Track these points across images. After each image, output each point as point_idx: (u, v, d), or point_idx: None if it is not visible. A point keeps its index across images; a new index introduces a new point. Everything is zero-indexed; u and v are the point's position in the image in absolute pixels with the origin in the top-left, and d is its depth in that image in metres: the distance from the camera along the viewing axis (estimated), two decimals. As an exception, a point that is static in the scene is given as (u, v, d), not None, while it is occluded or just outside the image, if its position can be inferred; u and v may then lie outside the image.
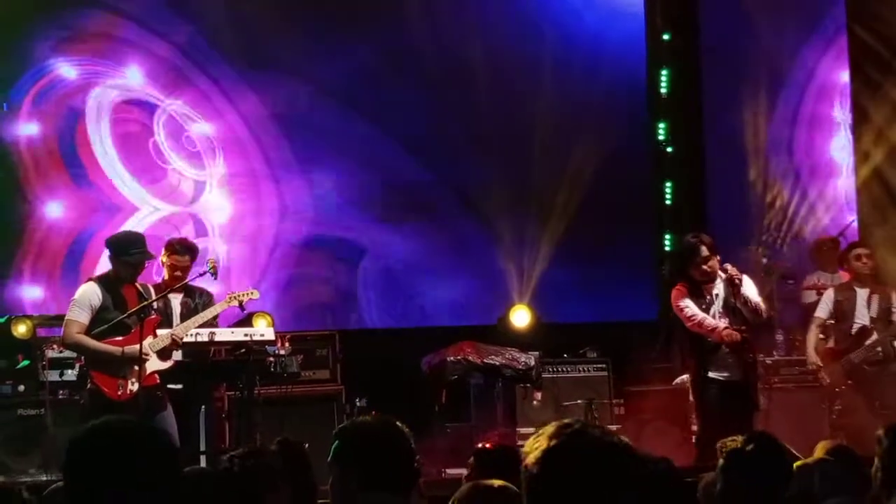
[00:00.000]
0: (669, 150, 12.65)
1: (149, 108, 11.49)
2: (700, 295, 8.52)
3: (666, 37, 12.60)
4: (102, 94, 11.39)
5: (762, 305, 8.64)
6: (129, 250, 8.17)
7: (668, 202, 12.63)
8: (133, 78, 11.44)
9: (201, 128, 11.62)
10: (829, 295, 10.20)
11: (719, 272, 8.54)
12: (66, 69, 11.31)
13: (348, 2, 12.06)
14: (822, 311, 10.13)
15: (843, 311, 10.01)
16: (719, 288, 8.56)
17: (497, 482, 4.20)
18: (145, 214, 11.42)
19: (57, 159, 11.27)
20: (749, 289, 8.56)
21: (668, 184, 12.62)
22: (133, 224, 11.08)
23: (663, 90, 12.66)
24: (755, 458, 4.26)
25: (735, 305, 8.51)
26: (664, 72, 12.64)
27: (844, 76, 12.57)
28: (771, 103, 12.54)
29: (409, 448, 3.63)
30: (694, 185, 12.67)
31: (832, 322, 10.10)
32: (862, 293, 10.02)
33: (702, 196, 12.59)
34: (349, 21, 11.87)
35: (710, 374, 8.47)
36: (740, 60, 12.46)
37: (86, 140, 11.32)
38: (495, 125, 12.02)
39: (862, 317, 9.97)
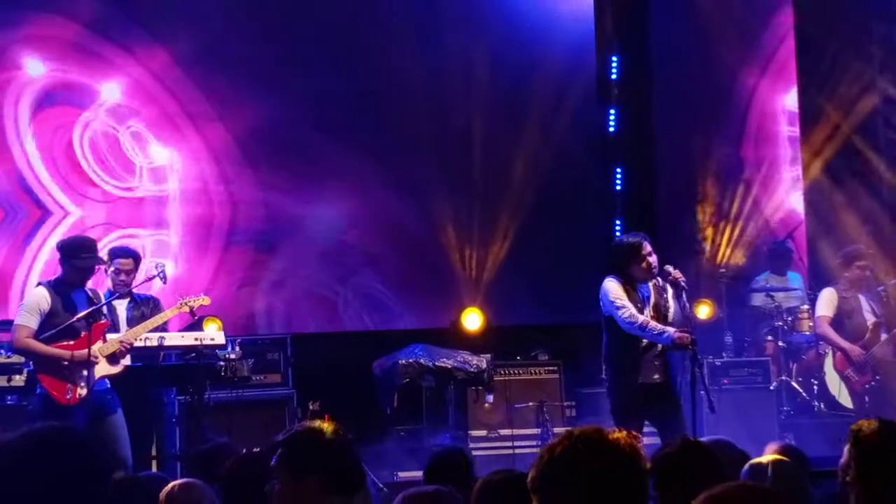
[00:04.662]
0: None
1: (109, 117, 11.39)
2: (633, 295, 8.37)
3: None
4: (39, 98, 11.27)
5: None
6: (79, 254, 8.16)
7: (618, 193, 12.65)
8: (109, 93, 11.33)
9: (158, 147, 11.52)
10: (830, 293, 10.28)
11: (661, 275, 8.46)
12: (35, 65, 11.17)
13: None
14: (828, 309, 10.22)
15: (850, 308, 10.20)
16: (649, 290, 8.49)
17: (431, 487, 4.22)
18: (85, 221, 11.28)
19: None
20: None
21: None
22: (82, 231, 10.97)
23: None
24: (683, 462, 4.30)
25: (664, 310, 8.35)
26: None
27: (793, 80, 12.73)
28: (719, 112, 12.69)
29: (356, 450, 3.66)
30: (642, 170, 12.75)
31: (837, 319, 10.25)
32: (862, 296, 10.27)
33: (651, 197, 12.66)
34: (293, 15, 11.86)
35: (635, 378, 8.35)
36: (690, 77, 12.57)
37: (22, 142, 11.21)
38: (441, 131, 12.04)
39: (869, 314, 10.21)
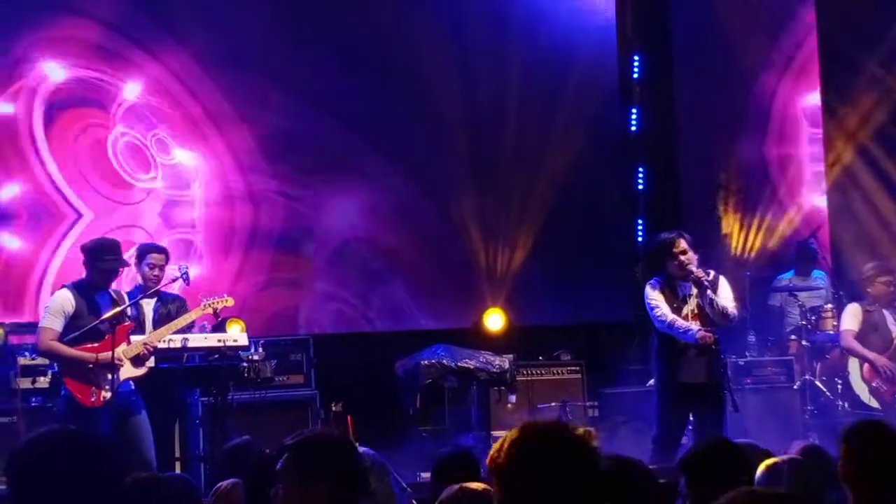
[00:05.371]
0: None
1: (125, 117, 11.40)
2: (673, 293, 8.46)
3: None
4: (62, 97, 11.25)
5: (731, 309, 8.47)
6: (103, 256, 8.20)
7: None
8: (129, 93, 11.33)
9: (181, 151, 11.51)
10: (854, 308, 10.39)
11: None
12: (54, 69, 11.13)
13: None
14: (853, 323, 10.33)
15: (874, 321, 10.31)
16: (691, 289, 8.50)
17: (481, 486, 4.24)
18: (109, 222, 11.28)
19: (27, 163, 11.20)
20: (723, 290, 8.54)
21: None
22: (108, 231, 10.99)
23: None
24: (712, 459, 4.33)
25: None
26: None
27: (815, 78, 12.68)
28: (741, 111, 12.65)
29: (360, 457, 3.67)
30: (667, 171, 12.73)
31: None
32: (887, 311, 10.36)
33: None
34: (324, 18, 11.85)
35: (678, 376, 8.42)
36: (712, 76, 12.53)
37: (39, 142, 11.20)
38: (466, 131, 12.04)
39: (894, 327, 10.31)
